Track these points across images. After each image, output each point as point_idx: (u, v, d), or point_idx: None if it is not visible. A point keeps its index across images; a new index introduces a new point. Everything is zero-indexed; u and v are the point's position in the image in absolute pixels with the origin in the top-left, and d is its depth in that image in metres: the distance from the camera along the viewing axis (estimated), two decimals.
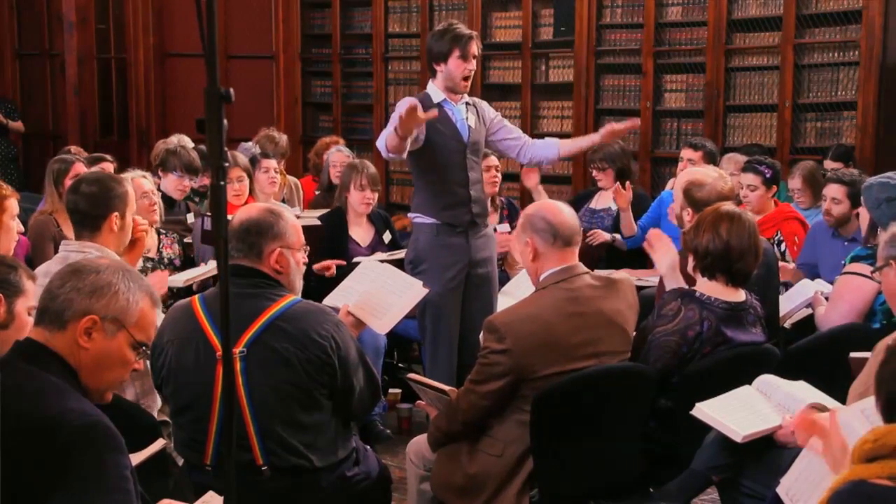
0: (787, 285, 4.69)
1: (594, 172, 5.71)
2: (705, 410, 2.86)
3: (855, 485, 1.74)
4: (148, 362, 2.97)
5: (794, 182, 5.43)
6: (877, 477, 1.73)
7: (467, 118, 4.40)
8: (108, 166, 5.44)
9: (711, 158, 5.56)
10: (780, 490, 2.40)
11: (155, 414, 3.37)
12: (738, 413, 2.87)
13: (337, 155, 6.27)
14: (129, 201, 3.43)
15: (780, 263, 4.64)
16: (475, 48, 4.32)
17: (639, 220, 5.50)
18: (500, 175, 5.55)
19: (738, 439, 2.79)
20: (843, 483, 1.76)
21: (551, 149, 4.57)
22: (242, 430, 2.75)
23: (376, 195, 5.16)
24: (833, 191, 4.68)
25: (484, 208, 4.51)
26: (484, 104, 4.55)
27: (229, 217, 3.71)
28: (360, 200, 5.09)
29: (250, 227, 2.88)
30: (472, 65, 4.33)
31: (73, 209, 3.42)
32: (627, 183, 5.49)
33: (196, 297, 2.92)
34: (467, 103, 4.44)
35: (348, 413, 2.93)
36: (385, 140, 4.12)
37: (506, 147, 4.59)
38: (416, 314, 4.53)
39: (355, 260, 4.95)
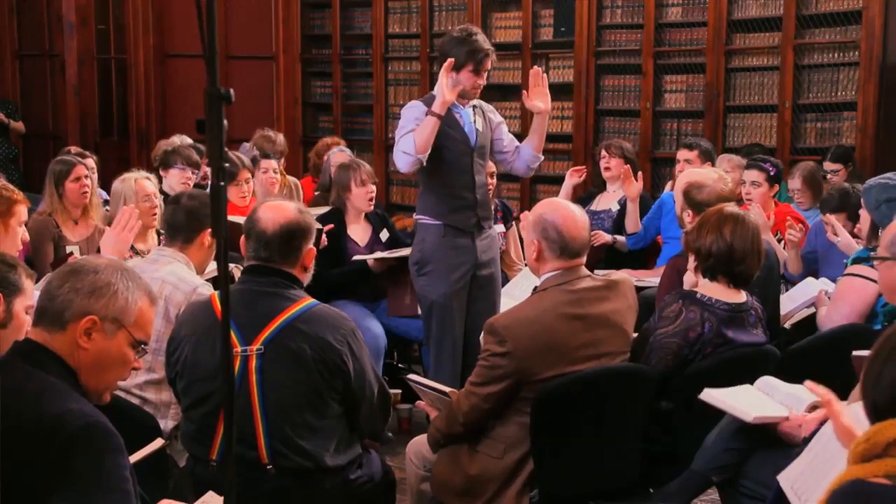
0: (789, 281, 4.68)
1: (605, 158, 5.67)
2: (714, 394, 2.85)
3: (853, 484, 1.75)
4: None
5: (794, 182, 5.43)
6: (874, 476, 1.74)
7: (475, 121, 4.39)
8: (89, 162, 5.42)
9: (708, 157, 5.57)
10: (783, 483, 2.38)
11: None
12: (745, 400, 2.87)
13: (338, 155, 6.27)
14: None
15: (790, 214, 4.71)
16: (490, 65, 4.31)
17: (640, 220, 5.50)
18: (495, 180, 5.52)
19: (749, 419, 2.78)
20: (842, 483, 1.77)
21: (527, 152, 4.50)
22: (251, 427, 2.76)
23: (375, 188, 5.16)
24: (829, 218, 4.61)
25: (488, 211, 4.50)
26: (489, 107, 4.55)
27: (237, 219, 3.76)
28: (364, 196, 5.06)
29: (294, 230, 2.87)
30: (483, 79, 4.33)
31: (170, 219, 3.57)
32: (640, 174, 5.50)
33: (216, 293, 2.93)
34: (474, 106, 4.43)
35: (357, 422, 2.92)
36: (413, 141, 4.14)
37: (499, 159, 4.61)
38: (420, 315, 4.53)
39: (355, 258, 4.96)
